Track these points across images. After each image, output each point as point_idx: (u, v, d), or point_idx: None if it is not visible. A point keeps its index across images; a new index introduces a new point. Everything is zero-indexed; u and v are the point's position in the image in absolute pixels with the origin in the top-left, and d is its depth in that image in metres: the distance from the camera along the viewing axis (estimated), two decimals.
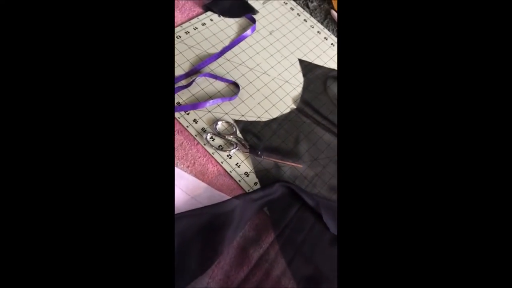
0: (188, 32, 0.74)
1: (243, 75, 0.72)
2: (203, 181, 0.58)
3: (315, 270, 0.55)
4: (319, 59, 0.78)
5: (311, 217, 0.59)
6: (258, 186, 0.60)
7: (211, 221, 0.54)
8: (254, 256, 0.54)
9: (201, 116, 0.64)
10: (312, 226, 0.58)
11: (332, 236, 0.58)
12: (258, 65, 0.74)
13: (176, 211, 0.53)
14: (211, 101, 0.65)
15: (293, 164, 0.63)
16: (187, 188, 0.57)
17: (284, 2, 0.87)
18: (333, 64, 0.79)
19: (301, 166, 0.64)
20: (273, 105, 0.70)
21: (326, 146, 0.68)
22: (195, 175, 0.58)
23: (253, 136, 0.65)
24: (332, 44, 0.82)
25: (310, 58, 0.78)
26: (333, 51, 0.81)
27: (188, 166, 0.59)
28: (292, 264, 0.54)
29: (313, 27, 0.84)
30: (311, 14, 0.86)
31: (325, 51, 0.81)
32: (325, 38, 0.83)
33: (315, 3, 0.89)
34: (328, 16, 0.87)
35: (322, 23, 0.85)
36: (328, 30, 0.84)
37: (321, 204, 0.59)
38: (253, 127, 0.66)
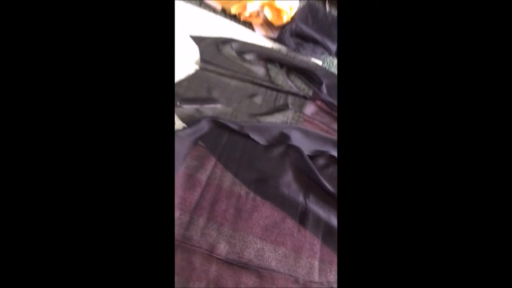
0: None
1: None
2: None
3: (259, 173, 0.62)
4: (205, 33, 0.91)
5: (241, 138, 0.67)
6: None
7: None
8: (202, 178, 0.58)
9: None
10: (245, 143, 0.66)
11: (263, 146, 0.66)
12: None
13: None
14: None
15: (212, 105, 0.71)
16: None
17: None
18: (214, 33, 0.92)
19: (219, 105, 0.72)
20: (179, 69, 0.77)
21: (236, 88, 0.78)
22: None
23: None
24: (206, 16, 0.96)
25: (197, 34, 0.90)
26: (206, 25, 0.95)
27: None
28: (238, 174, 0.61)
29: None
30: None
31: (201, 24, 0.94)
32: (197, 12, 0.97)
33: None
34: (203, 4, 1.02)
35: (199, 6, 0.99)
36: (207, 10, 0.98)
37: (245, 126, 0.68)
38: None
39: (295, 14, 1.04)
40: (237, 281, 0.48)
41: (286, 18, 1.00)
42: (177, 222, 0.52)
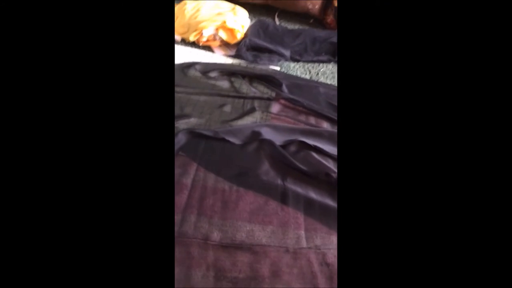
0: None
1: None
2: None
3: (239, 168, 0.69)
4: None
5: (218, 143, 0.74)
6: None
7: None
8: (188, 182, 0.64)
9: None
10: (222, 146, 0.73)
11: (238, 145, 0.73)
12: None
13: None
14: None
15: (186, 119, 0.78)
16: None
17: None
18: (178, 61, 1.01)
19: (193, 119, 0.79)
20: None
21: (205, 102, 0.86)
22: None
23: None
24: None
25: None
26: (180, 53, 1.04)
27: None
28: (220, 173, 0.67)
29: None
30: None
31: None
32: None
33: None
34: None
35: None
36: None
37: (220, 132, 0.75)
38: None
39: (247, 30, 1.16)
40: (233, 260, 0.53)
41: (239, 36, 1.11)
42: None
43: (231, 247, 0.55)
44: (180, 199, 0.61)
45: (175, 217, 0.58)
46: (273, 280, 0.51)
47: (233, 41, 1.11)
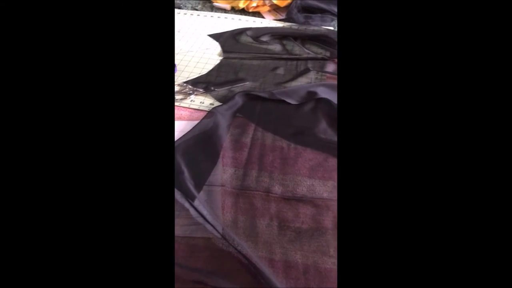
0: None
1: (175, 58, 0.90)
2: (183, 120, 0.71)
3: (296, 127, 0.68)
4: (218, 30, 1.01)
5: (273, 104, 0.74)
6: None
7: (203, 135, 0.66)
8: (247, 140, 0.66)
9: None
10: (277, 107, 0.73)
11: (294, 106, 0.73)
12: (181, 49, 0.93)
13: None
14: None
15: (240, 83, 0.79)
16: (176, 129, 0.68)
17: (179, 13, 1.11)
18: (229, 28, 1.01)
19: (247, 82, 0.80)
20: (206, 63, 0.87)
21: (258, 66, 0.86)
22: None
23: (203, 83, 0.81)
24: (218, 17, 1.06)
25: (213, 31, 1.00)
26: (221, 24, 1.04)
27: None
28: (277, 132, 0.67)
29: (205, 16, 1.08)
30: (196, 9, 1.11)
31: (216, 24, 1.04)
32: (211, 16, 1.07)
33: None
34: (214, 8, 1.13)
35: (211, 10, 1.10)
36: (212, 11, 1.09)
37: (275, 93, 0.75)
38: (200, 79, 0.82)
39: None
40: (296, 212, 0.54)
41: None
42: (233, 176, 0.60)
43: (293, 199, 0.56)
44: (241, 156, 0.63)
45: (238, 172, 0.61)
46: (336, 232, 0.52)
47: (283, 4, 1.07)
